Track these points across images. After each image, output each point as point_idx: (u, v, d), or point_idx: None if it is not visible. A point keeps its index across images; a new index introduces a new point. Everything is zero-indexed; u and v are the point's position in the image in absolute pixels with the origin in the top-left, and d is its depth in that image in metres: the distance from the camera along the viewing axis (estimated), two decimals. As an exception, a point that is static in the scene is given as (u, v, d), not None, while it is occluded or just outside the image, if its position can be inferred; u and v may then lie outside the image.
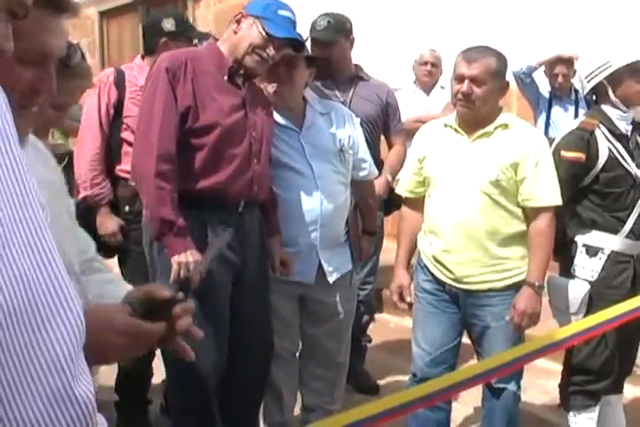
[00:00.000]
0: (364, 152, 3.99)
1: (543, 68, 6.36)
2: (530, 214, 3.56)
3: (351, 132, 3.88)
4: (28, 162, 0.95)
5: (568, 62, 6.18)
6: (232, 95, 3.42)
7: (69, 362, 0.88)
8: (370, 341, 5.25)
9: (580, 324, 3.31)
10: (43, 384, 0.85)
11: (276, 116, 3.70)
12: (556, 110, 6.32)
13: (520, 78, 6.24)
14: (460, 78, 3.48)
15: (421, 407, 3.12)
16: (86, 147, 4.21)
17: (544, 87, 6.43)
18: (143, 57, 4.48)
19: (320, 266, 3.78)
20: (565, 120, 5.95)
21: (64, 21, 1.52)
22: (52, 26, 1.46)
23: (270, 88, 3.67)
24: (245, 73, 3.47)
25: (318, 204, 3.67)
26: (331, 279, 3.82)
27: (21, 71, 1.40)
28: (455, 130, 3.61)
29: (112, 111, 4.24)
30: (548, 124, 6.21)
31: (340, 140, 3.80)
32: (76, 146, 4.48)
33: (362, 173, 4.01)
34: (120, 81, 4.27)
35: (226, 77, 3.43)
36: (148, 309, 1.63)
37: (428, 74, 6.71)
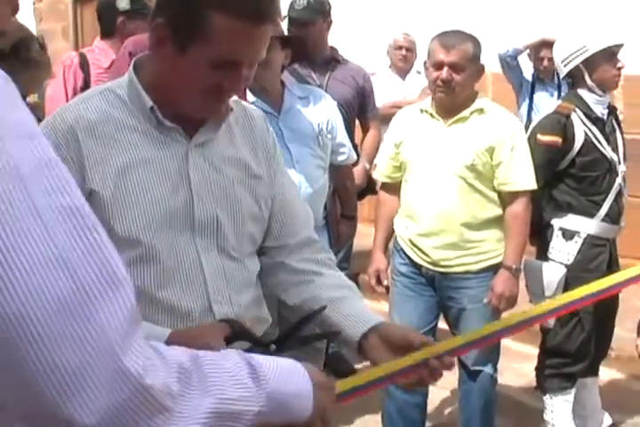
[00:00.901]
0: (342, 137, 3.97)
1: (527, 51, 6.35)
2: (506, 199, 3.58)
3: (330, 117, 3.85)
4: None
5: (552, 46, 6.17)
6: None
7: (119, 341, 0.90)
8: None
9: (551, 302, 3.31)
10: (96, 369, 0.88)
11: (254, 100, 3.64)
12: (540, 94, 6.31)
13: (506, 61, 6.21)
14: (438, 65, 3.48)
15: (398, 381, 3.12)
16: None
17: (527, 71, 6.42)
18: (103, 38, 4.45)
19: None
20: (548, 104, 5.92)
21: None
22: None
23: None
24: None
25: (297, 188, 3.64)
26: None
27: None
28: (431, 115, 3.61)
29: (79, 94, 4.21)
30: (530, 108, 6.19)
31: (318, 125, 3.77)
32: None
33: (340, 158, 4.00)
34: (84, 64, 4.23)
35: None
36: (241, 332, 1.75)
37: (402, 59, 6.70)
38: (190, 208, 1.88)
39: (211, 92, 1.77)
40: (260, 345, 1.73)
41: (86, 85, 4.21)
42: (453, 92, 3.49)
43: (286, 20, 4.26)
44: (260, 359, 1.25)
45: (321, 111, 3.82)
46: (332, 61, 4.67)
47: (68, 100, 4.19)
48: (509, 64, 6.26)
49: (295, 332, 1.80)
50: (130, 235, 1.81)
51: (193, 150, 1.89)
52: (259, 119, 2.10)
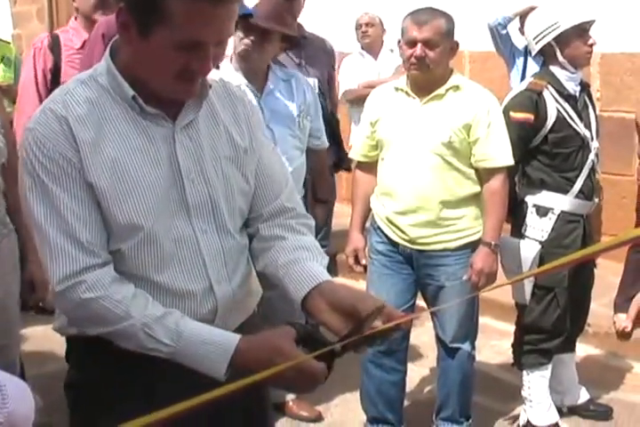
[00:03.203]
0: (319, 121, 4.06)
1: (518, 25, 6.33)
2: (483, 175, 3.59)
3: (310, 101, 3.93)
4: None
5: None
6: None
7: None
8: None
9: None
10: None
11: (239, 79, 3.70)
12: (532, 67, 6.28)
13: (496, 29, 6.18)
14: (411, 42, 3.48)
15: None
16: (25, 115, 4.10)
17: (520, 42, 6.40)
18: (76, 18, 4.43)
19: None
20: None
21: None
22: None
23: (240, 49, 3.68)
24: None
25: (278, 156, 3.67)
26: None
27: None
28: (407, 93, 3.61)
29: (49, 76, 4.19)
30: (523, 79, 6.14)
31: (299, 107, 3.84)
32: (15, 115, 4.40)
33: (316, 142, 4.07)
34: (55, 45, 4.20)
35: None
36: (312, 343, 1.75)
37: (365, 35, 6.72)
38: (182, 191, 1.90)
39: (181, 74, 1.77)
40: (325, 346, 1.73)
41: (56, 67, 4.18)
42: (428, 69, 3.48)
43: None
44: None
45: (302, 94, 3.90)
46: (301, 39, 4.67)
47: (37, 84, 4.17)
48: (499, 33, 6.21)
49: (358, 331, 1.74)
50: (131, 222, 1.84)
51: (179, 133, 1.90)
52: (239, 93, 2.11)
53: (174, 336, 1.79)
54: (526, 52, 6.26)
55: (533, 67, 6.16)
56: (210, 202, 1.94)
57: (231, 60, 3.79)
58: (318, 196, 4.24)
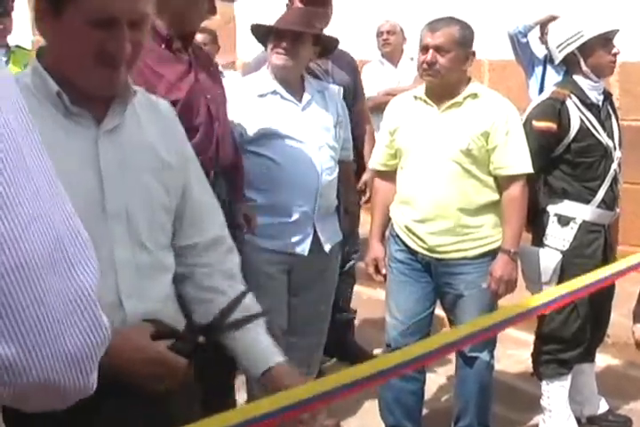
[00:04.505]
0: (348, 133, 4.10)
1: (538, 34, 6.33)
2: (502, 183, 3.58)
3: (341, 112, 3.94)
4: None
5: None
6: (176, 63, 3.26)
7: (95, 297, 1.00)
8: (355, 312, 5.20)
9: (550, 292, 3.31)
10: (80, 317, 0.98)
11: (278, 89, 3.72)
12: (551, 75, 6.27)
13: (516, 38, 6.18)
14: (424, 48, 3.51)
15: (395, 377, 3.13)
16: None
17: (540, 51, 6.39)
18: None
19: (313, 238, 3.78)
20: None
21: None
22: None
23: (275, 59, 3.67)
24: (185, 36, 3.32)
25: (317, 175, 3.69)
26: (327, 247, 3.83)
27: None
28: (425, 101, 3.62)
29: None
30: (542, 90, 6.13)
31: (334, 118, 3.85)
32: None
33: (344, 153, 4.08)
34: None
35: (164, 46, 3.24)
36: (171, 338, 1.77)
37: (385, 43, 6.73)
38: (101, 197, 1.84)
39: (99, 57, 1.73)
40: (184, 338, 1.73)
41: None
42: (438, 75, 3.49)
43: None
44: None
45: (335, 106, 3.91)
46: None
47: None
48: (519, 41, 6.21)
49: (221, 321, 1.82)
50: None
51: (102, 137, 1.85)
52: (164, 106, 2.07)
53: None
54: (545, 60, 6.26)
55: (552, 75, 6.15)
56: (125, 212, 1.87)
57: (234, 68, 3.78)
58: (344, 206, 4.23)
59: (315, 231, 3.77)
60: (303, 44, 3.68)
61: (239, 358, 2.04)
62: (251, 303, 2.07)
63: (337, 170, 3.87)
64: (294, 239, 3.74)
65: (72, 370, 0.98)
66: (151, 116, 1.98)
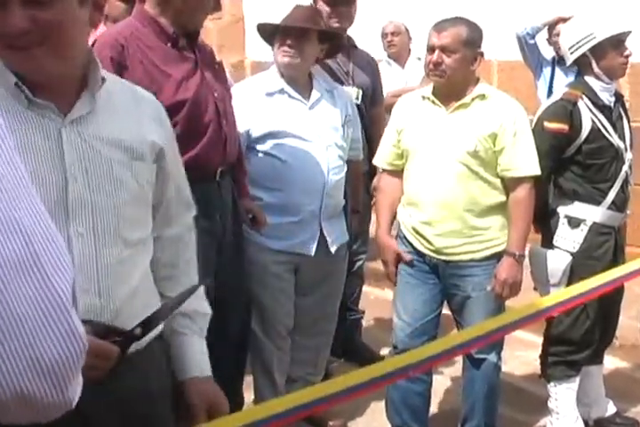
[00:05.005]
0: (358, 133, 4.09)
1: (546, 35, 6.32)
2: (509, 185, 3.57)
3: (350, 112, 3.93)
4: None
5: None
6: (182, 62, 3.22)
7: (70, 305, 0.96)
8: (363, 313, 5.19)
9: (559, 294, 3.31)
10: (53, 325, 0.94)
11: (286, 87, 3.72)
12: (559, 76, 6.25)
13: (524, 39, 6.18)
14: (431, 48, 3.50)
15: (401, 378, 3.12)
16: None
17: (548, 52, 6.38)
18: (105, 24, 4.42)
19: (320, 238, 3.76)
20: None
21: None
22: None
23: (281, 57, 3.67)
24: (190, 33, 3.29)
25: (323, 174, 3.69)
26: (333, 249, 3.82)
27: None
28: (433, 102, 3.60)
29: None
30: (550, 92, 6.12)
31: (342, 117, 3.85)
32: None
33: (353, 153, 4.06)
34: None
35: (169, 45, 3.21)
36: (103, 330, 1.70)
37: (390, 44, 6.71)
38: (63, 191, 1.77)
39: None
40: (123, 334, 1.71)
41: None
42: (445, 75, 3.48)
43: None
44: None
45: (344, 105, 3.90)
46: (350, 48, 4.65)
47: None
48: (527, 43, 6.21)
49: (159, 315, 1.80)
50: None
51: (67, 127, 1.79)
52: (148, 99, 2.03)
53: None
54: (554, 62, 6.26)
55: (561, 77, 6.15)
56: (90, 204, 1.81)
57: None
58: (353, 206, 4.22)
59: (321, 232, 3.77)
60: (309, 41, 3.67)
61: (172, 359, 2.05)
62: (196, 300, 2.04)
63: (345, 169, 3.86)
64: (301, 239, 3.74)
65: (46, 381, 0.95)
66: (129, 106, 1.93)
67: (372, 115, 4.73)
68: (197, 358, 2.05)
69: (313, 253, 3.76)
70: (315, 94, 3.78)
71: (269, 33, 3.76)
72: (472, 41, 3.49)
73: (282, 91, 3.74)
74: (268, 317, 3.77)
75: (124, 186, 1.86)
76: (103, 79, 1.85)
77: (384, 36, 6.76)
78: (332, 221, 3.83)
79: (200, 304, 2.11)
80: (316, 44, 3.71)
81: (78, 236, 1.79)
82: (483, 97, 3.54)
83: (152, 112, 2.00)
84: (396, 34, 6.71)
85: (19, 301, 0.91)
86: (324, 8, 4.45)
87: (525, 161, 3.52)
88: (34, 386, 0.94)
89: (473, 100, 3.54)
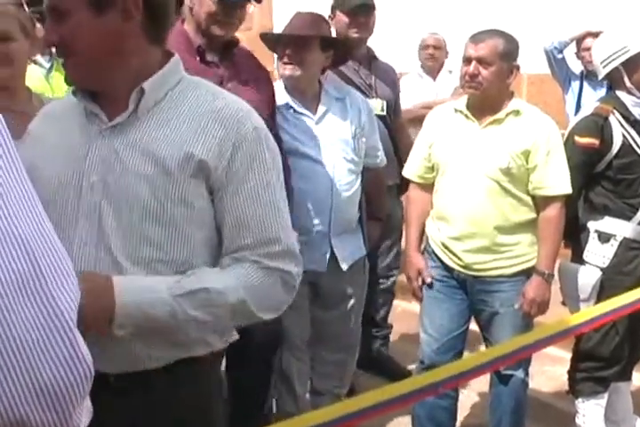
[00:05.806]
0: (376, 140, 3.96)
1: (574, 49, 6.31)
2: (540, 203, 3.54)
3: (365, 120, 3.82)
4: None
5: (597, 36, 6.09)
6: (204, 76, 3.20)
7: (74, 326, 0.93)
8: (391, 327, 5.15)
9: (589, 311, 3.29)
10: (55, 348, 0.91)
11: (291, 101, 3.65)
12: (587, 91, 6.23)
13: (552, 53, 6.18)
14: (467, 60, 3.47)
15: (428, 396, 3.10)
16: None
17: (576, 67, 6.36)
18: None
19: (332, 253, 3.71)
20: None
21: None
22: None
23: (282, 69, 3.60)
24: (219, 45, 3.27)
25: (331, 192, 3.63)
26: (344, 266, 3.76)
27: None
28: (466, 116, 3.58)
29: None
30: (579, 106, 6.09)
31: (354, 128, 3.75)
32: None
33: (371, 161, 3.96)
34: None
35: (198, 58, 3.21)
36: None
37: (430, 58, 6.66)
38: (78, 193, 1.80)
39: None
40: None
41: None
42: (480, 87, 3.45)
43: (351, 7, 4.33)
44: None
45: (357, 113, 3.80)
46: (371, 59, 4.63)
47: None
48: (555, 57, 6.22)
49: None
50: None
51: (102, 133, 1.82)
52: (224, 113, 1.86)
53: None
54: (582, 76, 6.25)
55: (589, 91, 6.14)
56: (98, 214, 1.77)
57: None
58: (375, 214, 4.16)
59: (332, 248, 3.71)
60: (309, 50, 3.55)
61: None
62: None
63: (358, 182, 3.78)
64: (311, 258, 3.59)
65: (49, 407, 0.91)
66: (193, 117, 1.82)
67: (396, 127, 4.72)
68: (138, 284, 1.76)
69: (325, 270, 3.71)
70: (322, 107, 3.68)
71: (273, 43, 3.67)
72: (508, 53, 3.47)
73: (287, 106, 3.64)
74: (283, 329, 3.74)
75: (142, 201, 1.77)
76: (142, 90, 1.81)
77: (424, 47, 6.64)
78: (344, 237, 3.76)
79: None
80: (319, 52, 3.58)
81: (81, 244, 1.78)
82: (517, 113, 3.51)
83: (217, 126, 1.82)
84: (437, 48, 6.62)
85: (20, 322, 0.89)
86: (343, 18, 4.44)
87: (557, 180, 3.49)
88: (35, 413, 0.90)
89: (507, 115, 3.51)
